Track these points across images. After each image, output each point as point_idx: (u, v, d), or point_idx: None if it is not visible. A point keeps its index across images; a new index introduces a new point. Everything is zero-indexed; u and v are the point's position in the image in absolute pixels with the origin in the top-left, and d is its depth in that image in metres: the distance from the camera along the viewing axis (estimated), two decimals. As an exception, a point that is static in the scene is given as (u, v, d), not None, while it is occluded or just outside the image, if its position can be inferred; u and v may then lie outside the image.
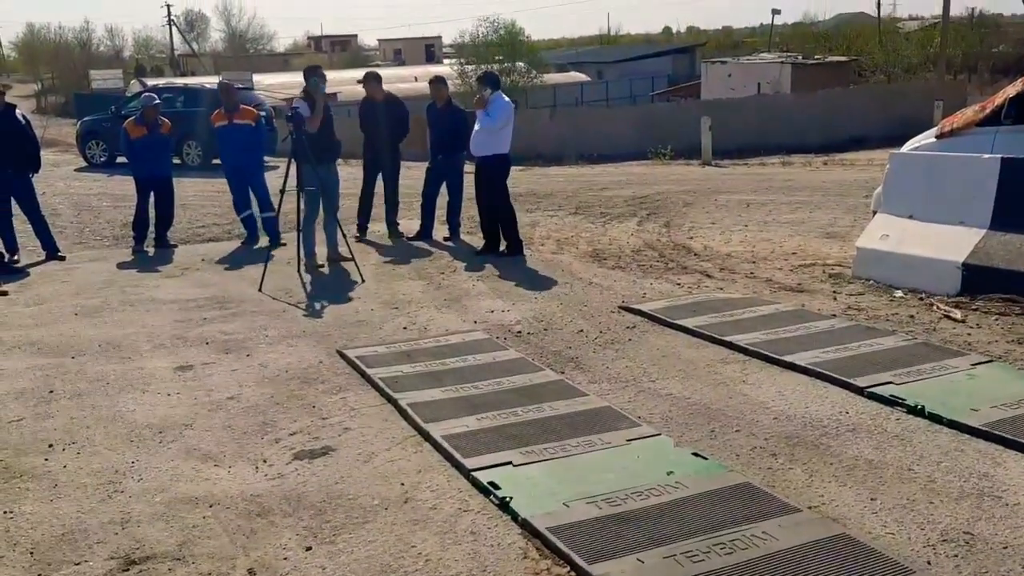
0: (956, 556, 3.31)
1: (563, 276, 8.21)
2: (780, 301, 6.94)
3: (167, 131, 10.16)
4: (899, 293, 6.99)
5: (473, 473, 4.05)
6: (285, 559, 3.42)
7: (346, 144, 9.67)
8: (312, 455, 4.38)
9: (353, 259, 8.57)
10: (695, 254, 9.11)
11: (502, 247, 9.27)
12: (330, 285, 8.19)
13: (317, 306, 7.40)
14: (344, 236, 8.84)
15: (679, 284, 7.76)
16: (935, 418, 4.55)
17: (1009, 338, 5.85)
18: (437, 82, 10.30)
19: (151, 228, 10.26)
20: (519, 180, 16.30)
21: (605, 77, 49.86)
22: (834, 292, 7.20)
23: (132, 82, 41.31)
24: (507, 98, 9.21)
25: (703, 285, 7.70)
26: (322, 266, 8.85)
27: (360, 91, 11.11)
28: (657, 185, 14.65)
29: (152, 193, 10.12)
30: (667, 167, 18.57)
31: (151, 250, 10.08)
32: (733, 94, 31.12)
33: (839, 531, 3.44)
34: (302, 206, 8.48)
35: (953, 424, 4.46)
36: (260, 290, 7.89)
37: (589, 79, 48.87)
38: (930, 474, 3.97)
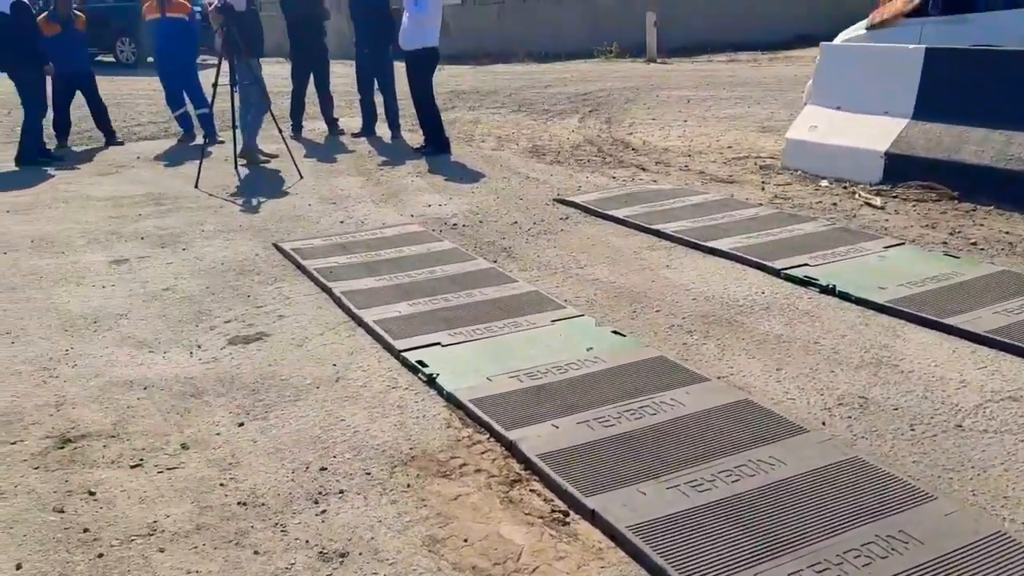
0: (850, 418, 3.56)
1: (501, 171, 8.27)
2: (710, 191, 7.11)
3: (82, 27, 9.80)
4: (824, 182, 7.20)
5: (403, 353, 4.21)
6: (218, 434, 3.56)
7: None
8: (246, 340, 4.48)
9: (291, 155, 8.51)
10: (633, 149, 9.21)
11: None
12: (268, 182, 8.16)
13: (254, 202, 7.39)
14: (281, 133, 8.76)
15: (614, 178, 7.88)
16: (845, 296, 4.79)
17: (924, 223, 6.10)
18: None
19: (92, 129, 10.05)
20: (463, 78, 16.14)
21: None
22: (763, 182, 7.38)
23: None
24: None
25: (637, 178, 7.82)
26: (267, 160, 8.77)
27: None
28: (601, 82, 14.59)
29: (77, 92, 9.83)
30: (612, 64, 18.43)
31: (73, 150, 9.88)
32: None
33: (743, 397, 3.67)
34: (237, 103, 8.35)
35: (861, 301, 4.71)
36: (196, 187, 7.85)
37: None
38: (834, 346, 4.22)
